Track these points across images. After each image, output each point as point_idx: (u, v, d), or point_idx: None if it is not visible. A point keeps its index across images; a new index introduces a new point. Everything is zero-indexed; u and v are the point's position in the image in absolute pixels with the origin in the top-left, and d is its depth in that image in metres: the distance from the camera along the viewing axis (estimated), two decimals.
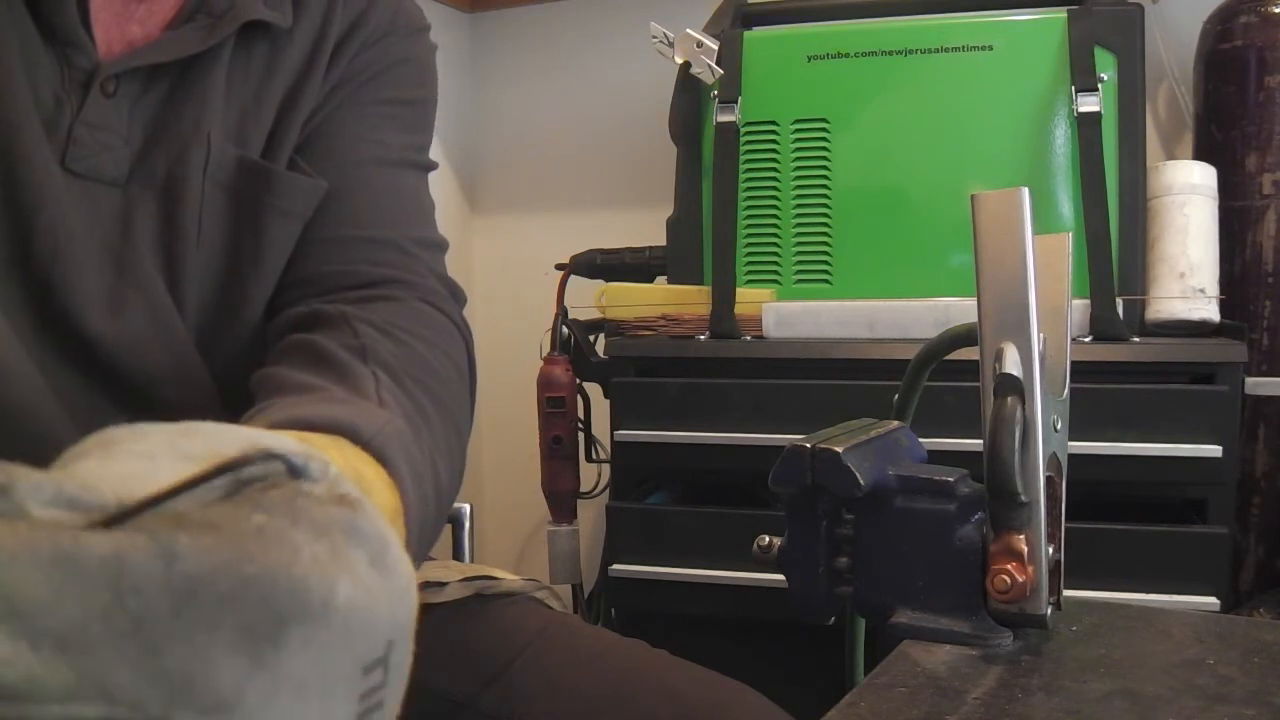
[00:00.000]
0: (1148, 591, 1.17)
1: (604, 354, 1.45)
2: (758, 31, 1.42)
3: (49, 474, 0.26)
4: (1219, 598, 1.16)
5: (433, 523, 0.51)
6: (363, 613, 0.27)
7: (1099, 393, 1.17)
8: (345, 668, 0.27)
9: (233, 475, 0.28)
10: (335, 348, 0.56)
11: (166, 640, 0.23)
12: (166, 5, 0.62)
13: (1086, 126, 1.27)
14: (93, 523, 0.25)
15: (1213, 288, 1.28)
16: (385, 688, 0.29)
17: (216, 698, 0.24)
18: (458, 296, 0.70)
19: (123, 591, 0.23)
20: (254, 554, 0.25)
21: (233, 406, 0.63)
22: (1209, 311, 1.27)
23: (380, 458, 0.45)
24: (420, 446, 0.50)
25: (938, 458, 0.55)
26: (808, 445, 0.51)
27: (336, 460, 0.39)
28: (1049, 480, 0.48)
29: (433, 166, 0.75)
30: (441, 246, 0.72)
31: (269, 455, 0.29)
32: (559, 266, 1.60)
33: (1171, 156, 1.59)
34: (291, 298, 0.65)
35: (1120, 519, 1.20)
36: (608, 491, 1.50)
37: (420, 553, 0.49)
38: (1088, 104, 1.26)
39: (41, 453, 0.54)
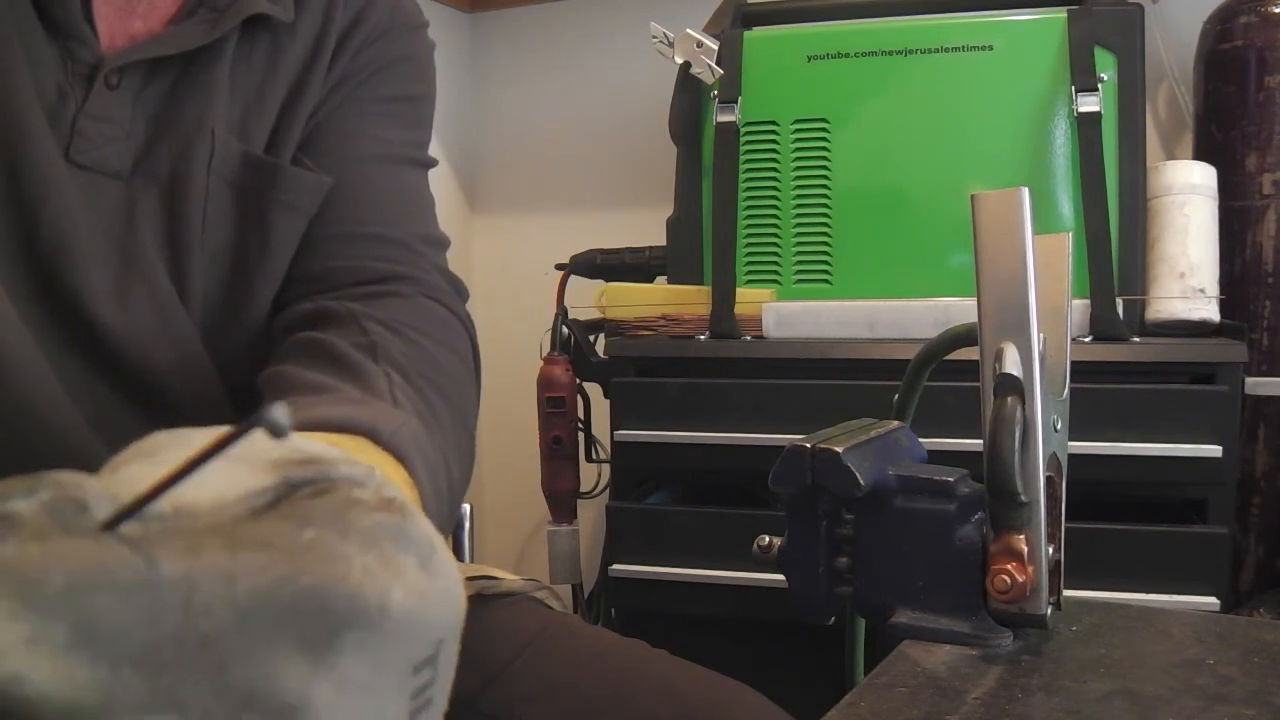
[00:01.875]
0: (1148, 591, 1.17)
1: (604, 354, 1.45)
2: (758, 31, 1.42)
3: (107, 484, 0.27)
4: (1219, 598, 1.16)
5: (446, 518, 0.52)
6: (415, 615, 0.28)
7: (1099, 393, 1.17)
8: (399, 668, 0.28)
9: (282, 481, 0.29)
10: (346, 347, 0.56)
11: (232, 654, 0.25)
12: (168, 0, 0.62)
13: (1086, 126, 1.27)
14: (121, 514, 0.25)
15: (1213, 288, 1.28)
16: (434, 685, 0.30)
17: (281, 703, 0.25)
18: (461, 292, 0.71)
19: (193, 612, 0.24)
20: (309, 567, 0.26)
21: (237, 400, 0.63)
22: (1209, 311, 1.27)
23: (398, 457, 0.45)
24: (433, 445, 0.51)
25: (938, 458, 0.55)
26: (808, 445, 0.51)
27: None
28: (1049, 480, 0.48)
29: (433, 163, 0.75)
30: (443, 243, 0.72)
31: (324, 464, 0.30)
32: (559, 266, 1.60)
33: (1171, 156, 1.59)
34: (296, 294, 0.65)
35: (1120, 519, 1.20)
36: (608, 491, 1.50)
37: None
38: (1088, 104, 1.26)
39: (47, 441, 0.55)
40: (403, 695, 0.28)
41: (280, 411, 0.23)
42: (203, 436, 0.32)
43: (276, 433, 0.23)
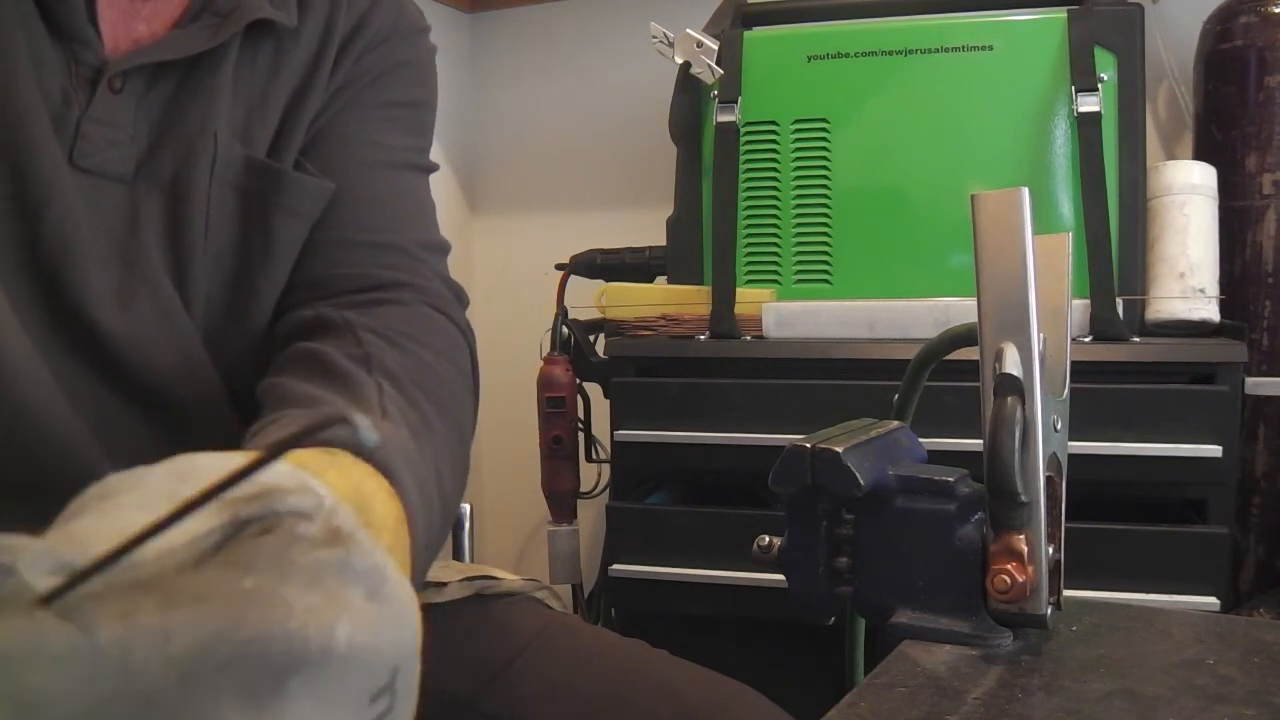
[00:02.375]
0: (1148, 591, 1.17)
1: (604, 354, 1.45)
2: (758, 31, 1.42)
3: (45, 541, 0.27)
4: (1219, 598, 1.16)
5: (439, 528, 0.52)
6: (364, 647, 0.28)
7: (1099, 393, 1.17)
8: (352, 700, 0.28)
9: (229, 520, 0.29)
10: (340, 357, 0.56)
11: (174, 711, 0.25)
12: (173, 3, 0.62)
13: (1086, 126, 1.27)
14: (74, 580, 0.26)
15: (1213, 288, 1.28)
16: (393, 711, 0.30)
17: None
18: (461, 299, 0.71)
19: (130, 674, 0.24)
20: (247, 618, 0.26)
21: (240, 404, 0.63)
22: (1209, 311, 1.27)
23: (383, 469, 0.45)
24: (423, 455, 0.51)
25: (938, 458, 0.55)
26: (808, 445, 0.51)
27: (333, 479, 0.39)
28: (1049, 480, 0.48)
29: (434, 168, 0.75)
30: (444, 249, 0.72)
31: (274, 496, 0.30)
32: (559, 266, 1.60)
33: (1171, 156, 1.59)
34: (297, 300, 0.65)
35: (1120, 519, 1.20)
36: (608, 491, 1.50)
37: (427, 558, 0.49)
38: (1088, 104, 1.26)
39: (47, 445, 0.55)
40: None
41: (365, 427, 0.23)
42: (156, 477, 0.32)
43: (366, 447, 0.23)
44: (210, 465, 0.33)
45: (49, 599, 0.25)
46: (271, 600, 0.27)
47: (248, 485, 0.30)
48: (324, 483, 0.34)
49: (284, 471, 0.32)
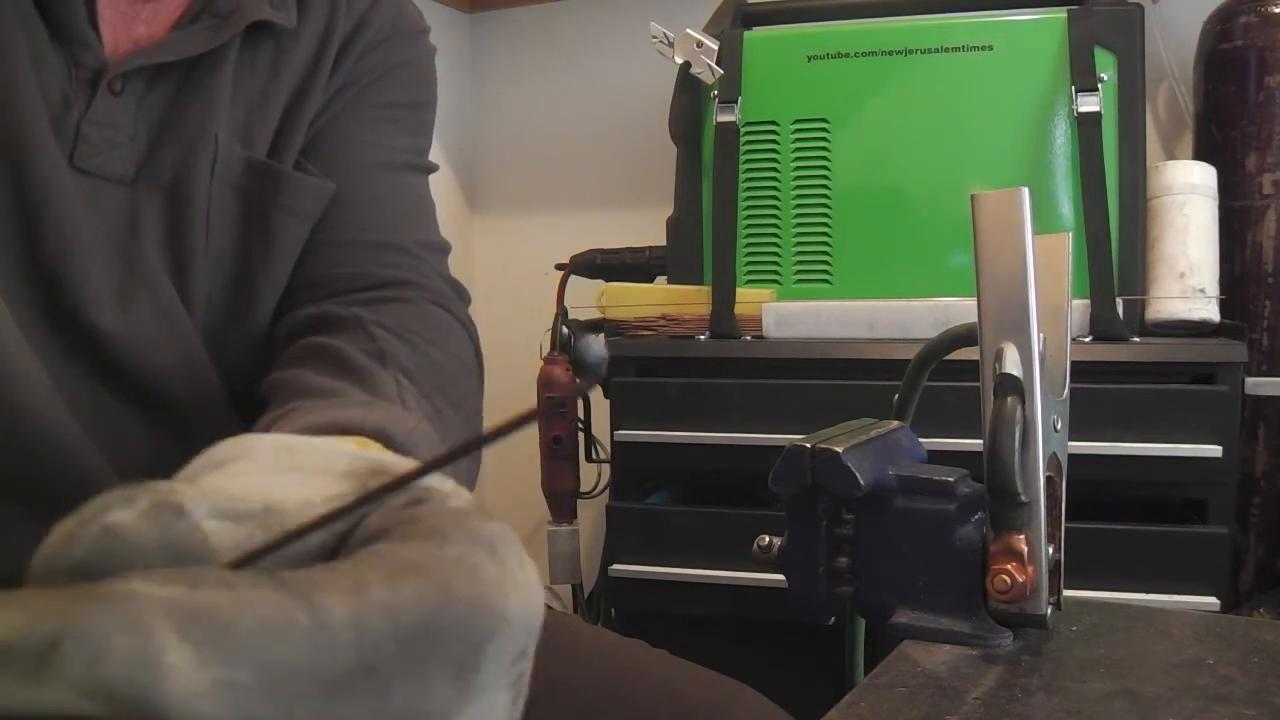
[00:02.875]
0: (1148, 591, 1.17)
1: None
2: (758, 31, 1.42)
3: (199, 489, 0.28)
4: (1219, 598, 1.16)
5: None
6: (523, 615, 0.30)
7: (1099, 393, 1.17)
8: (508, 665, 0.30)
9: (359, 489, 0.30)
10: (354, 352, 0.56)
11: (394, 681, 0.26)
12: (173, 5, 0.62)
13: (1086, 126, 1.27)
14: (268, 547, 0.27)
15: (1213, 288, 1.28)
16: (525, 673, 0.31)
17: (427, 716, 0.27)
18: (463, 296, 0.71)
19: (364, 649, 0.26)
20: (458, 591, 0.28)
21: (240, 406, 0.63)
22: (1209, 311, 1.27)
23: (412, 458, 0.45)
24: (443, 448, 0.51)
25: (938, 458, 0.55)
26: (808, 445, 0.51)
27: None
28: (1049, 480, 0.48)
29: (433, 169, 0.75)
30: (445, 249, 0.72)
31: (391, 472, 0.31)
32: (559, 266, 1.60)
33: (1171, 156, 1.59)
34: (298, 300, 0.65)
35: (1120, 519, 1.20)
36: (608, 491, 1.50)
37: None
38: (1088, 104, 1.26)
39: (45, 446, 0.55)
40: (508, 684, 0.30)
41: (598, 345, 0.24)
42: (260, 447, 0.33)
43: (594, 369, 0.24)
44: (306, 443, 0.34)
45: (240, 564, 0.27)
46: (474, 569, 0.28)
47: (361, 461, 0.32)
48: None
49: (385, 454, 0.34)
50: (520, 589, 0.29)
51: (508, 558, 0.30)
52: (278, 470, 0.31)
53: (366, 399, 0.51)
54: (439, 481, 0.32)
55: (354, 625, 0.25)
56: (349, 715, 0.25)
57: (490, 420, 0.66)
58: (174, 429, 0.61)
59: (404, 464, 0.32)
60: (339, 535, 0.30)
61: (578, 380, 1.47)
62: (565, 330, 1.55)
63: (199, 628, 0.24)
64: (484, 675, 0.28)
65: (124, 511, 0.26)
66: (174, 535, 0.26)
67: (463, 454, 0.28)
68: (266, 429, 0.48)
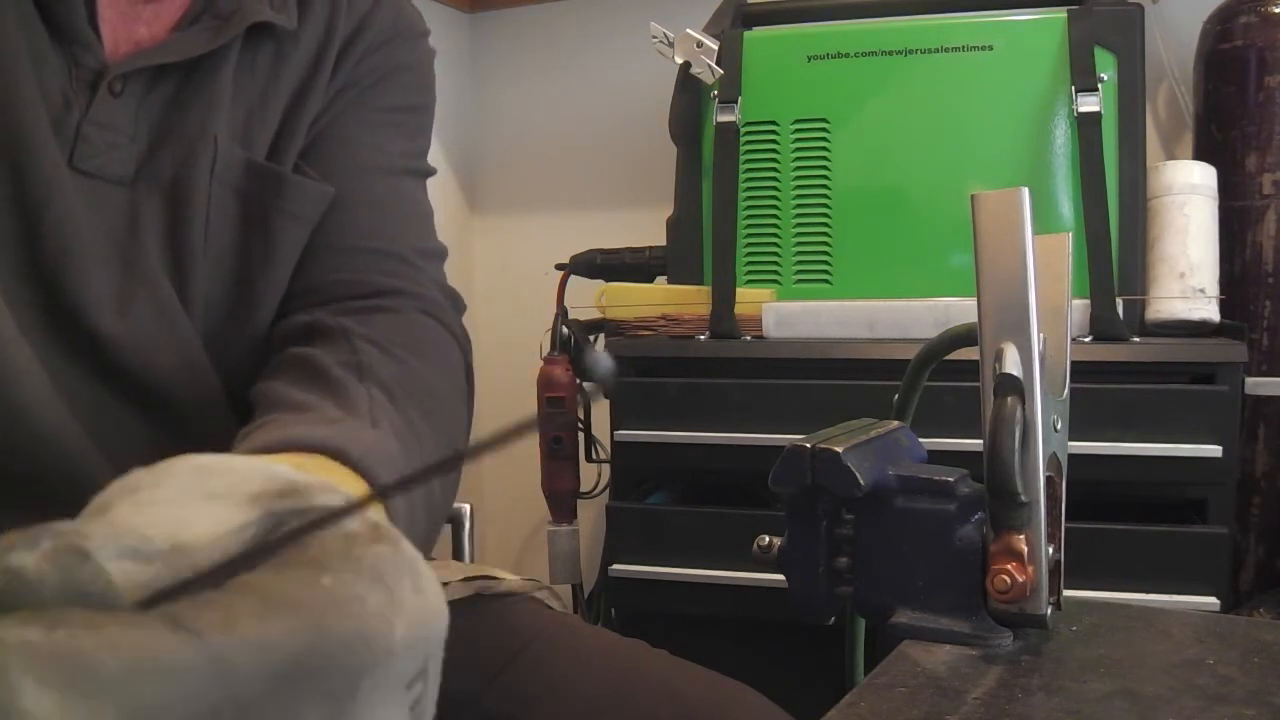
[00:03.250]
0: (1148, 591, 1.17)
1: None
2: (758, 31, 1.42)
3: (108, 528, 0.28)
4: (1219, 598, 1.16)
5: (424, 536, 0.52)
6: (412, 642, 0.29)
7: (1099, 393, 1.17)
8: (397, 689, 0.29)
9: (264, 514, 0.30)
10: (332, 364, 0.56)
11: (263, 716, 0.26)
12: (173, 6, 0.62)
13: (1086, 126, 1.27)
14: (176, 590, 0.27)
15: (1213, 288, 1.28)
16: (426, 695, 0.31)
17: None
18: (458, 305, 0.71)
19: (231, 687, 0.25)
20: (332, 627, 0.27)
21: (239, 408, 0.63)
22: (1209, 311, 1.27)
23: (368, 478, 0.45)
24: (411, 464, 0.51)
25: (938, 458, 0.55)
26: (808, 445, 0.51)
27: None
28: (1049, 480, 0.48)
29: (431, 172, 0.75)
30: (442, 255, 0.72)
31: (303, 494, 0.31)
32: (559, 266, 1.60)
33: (1171, 156, 1.59)
34: (293, 306, 0.65)
35: (1120, 519, 1.20)
36: (608, 491, 1.50)
37: None
38: (1088, 104, 1.26)
39: (44, 449, 0.55)
40: (402, 708, 0.30)
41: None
42: (178, 472, 0.32)
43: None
44: (225, 466, 0.33)
45: (147, 604, 0.26)
46: (349, 598, 0.28)
47: (274, 483, 0.31)
48: None
49: (301, 473, 0.33)
50: (410, 617, 0.29)
51: (396, 584, 0.29)
52: (188, 497, 0.31)
53: (335, 415, 0.51)
54: (338, 500, 0.31)
55: (221, 663, 0.25)
56: None
57: (482, 428, 0.67)
58: (174, 430, 0.61)
59: (320, 486, 0.32)
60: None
61: (584, 386, 1.47)
62: (565, 330, 1.55)
63: (59, 671, 0.23)
64: (362, 705, 0.28)
65: (26, 554, 0.25)
66: (77, 578, 0.25)
67: (397, 490, 0.28)
68: (241, 441, 0.49)
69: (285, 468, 0.34)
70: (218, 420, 0.62)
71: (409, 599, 0.29)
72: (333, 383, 0.55)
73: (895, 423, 0.58)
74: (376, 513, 0.33)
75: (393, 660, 0.28)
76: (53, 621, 0.24)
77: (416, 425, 0.56)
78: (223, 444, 0.52)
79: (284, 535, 0.28)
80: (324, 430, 0.47)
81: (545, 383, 1.54)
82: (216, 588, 0.28)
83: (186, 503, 0.30)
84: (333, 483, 0.32)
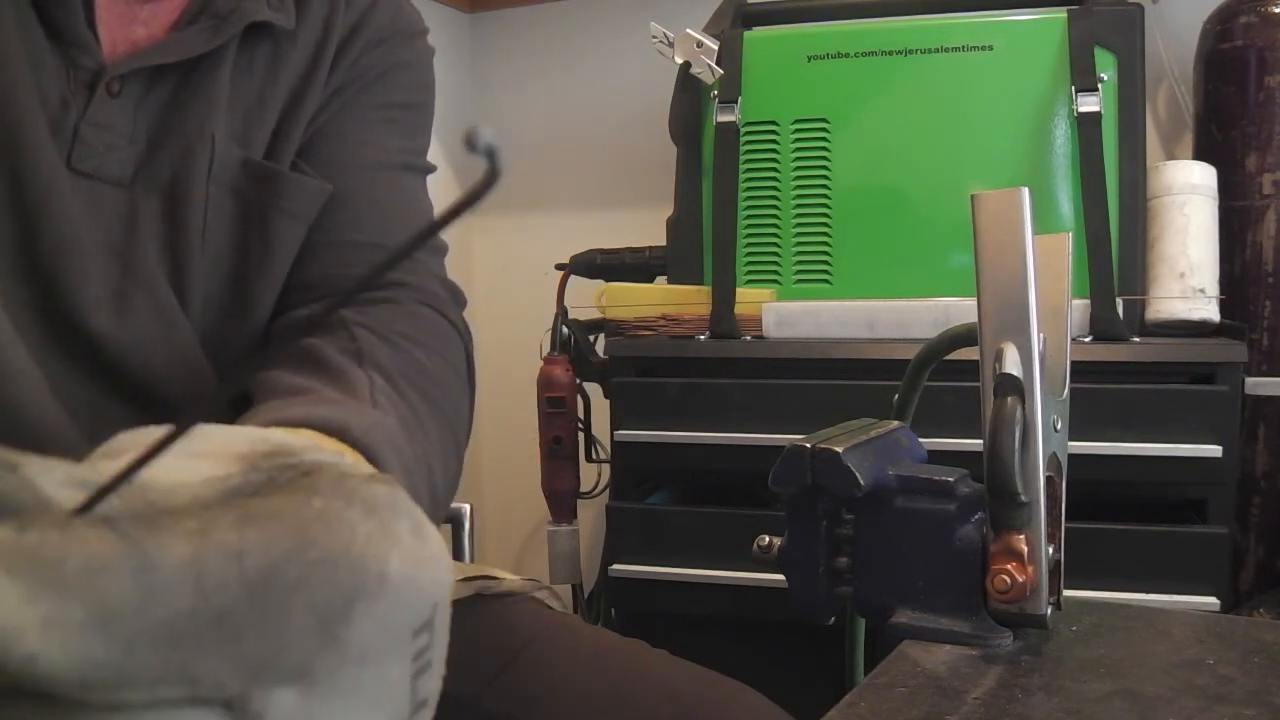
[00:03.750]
0: (1148, 591, 1.17)
1: (604, 354, 1.45)
2: (758, 31, 1.42)
3: (59, 460, 0.27)
4: (1219, 598, 1.16)
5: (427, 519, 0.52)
6: (412, 581, 0.29)
7: (1099, 393, 1.17)
8: (399, 634, 0.29)
9: (251, 469, 0.29)
10: (331, 352, 0.56)
11: (245, 628, 0.25)
12: (171, 6, 0.62)
13: (1086, 126, 1.27)
14: (97, 495, 0.26)
15: (1213, 288, 1.28)
16: (432, 649, 0.31)
17: (290, 672, 0.26)
18: (458, 299, 0.71)
19: (205, 591, 0.25)
20: (316, 539, 0.27)
21: (237, 407, 0.63)
22: (1209, 311, 1.27)
23: (369, 455, 0.45)
24: (413, 445, 0.51)
25: (938, 458, 0.55)
26: (808, 445, 0.51)
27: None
28: (1049, 480, 0.48)
29: (431, 169, 0.75)
30: (442, 250, 0.72)
31: (292, 453, 0.30)
32: (559, 266, 1.60)
33: (1171, 156, 1.59)
34: (293, 301, 0.65)
35: (1120, 519, 1.20)
36: (608, 491, 1.50)
37: None
38: (1088, 104, 1.26)
39: (41, 452, 0.54)
40: (404, 659, 0.29)
41: (487, 134, 0.23)
42: (158, 432, 0.32)
43: (488, 156, 0.23)
44: (217, 429, 0.33)
45: (77, 512, 0.25)
46: (339, 520, 0.28)
47: (261, 444, 0.31)
48: None
49: (290, 436, 0.32)
50: (407, 553, 0.29)
51: (392, 520, 0.29)
52: (172, 453, 0.30)
53: (336, 396, 0.51)
54: (335, 458, 0.31)
55: (192, 566, 0.25)
56: (200, 660, 0.25)
57: (482, 428, 0.66)
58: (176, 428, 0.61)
59: (309, 447, 0.32)
60: None
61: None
62: (565, 330, 1.55)
63: (26, 565, 0.23)
64: (359, 635, 0.27)
65: None
66: (2, 489, 0.25)
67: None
68: (241, 423, 0.48)
69: (279, 433, 0.34)
70: (216, 420, 0.62)
71: (407, 538, 0.29)
72: (332, 368, 0.55)
73: (895, 423, 0.58)
74: (366, 464, 0.32)
75: (389, 592, 0.28)
76: (25, 524, 0.24)
77: (418, 408, 0.56)
78: None
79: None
80: (324, 409, 0.46)
81: (545, 383, 1.54)
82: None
83: (169, 458, 0.30)
84: (323, 445, 0.32)
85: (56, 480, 0.26)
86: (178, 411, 0.60)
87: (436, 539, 0.31)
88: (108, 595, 0.24)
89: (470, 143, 0.22)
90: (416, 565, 0.29)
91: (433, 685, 0.31)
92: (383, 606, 0.28)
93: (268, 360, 0.59)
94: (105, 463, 0.29)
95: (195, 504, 0.27)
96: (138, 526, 0.25)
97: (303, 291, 0.65)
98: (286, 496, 0.28)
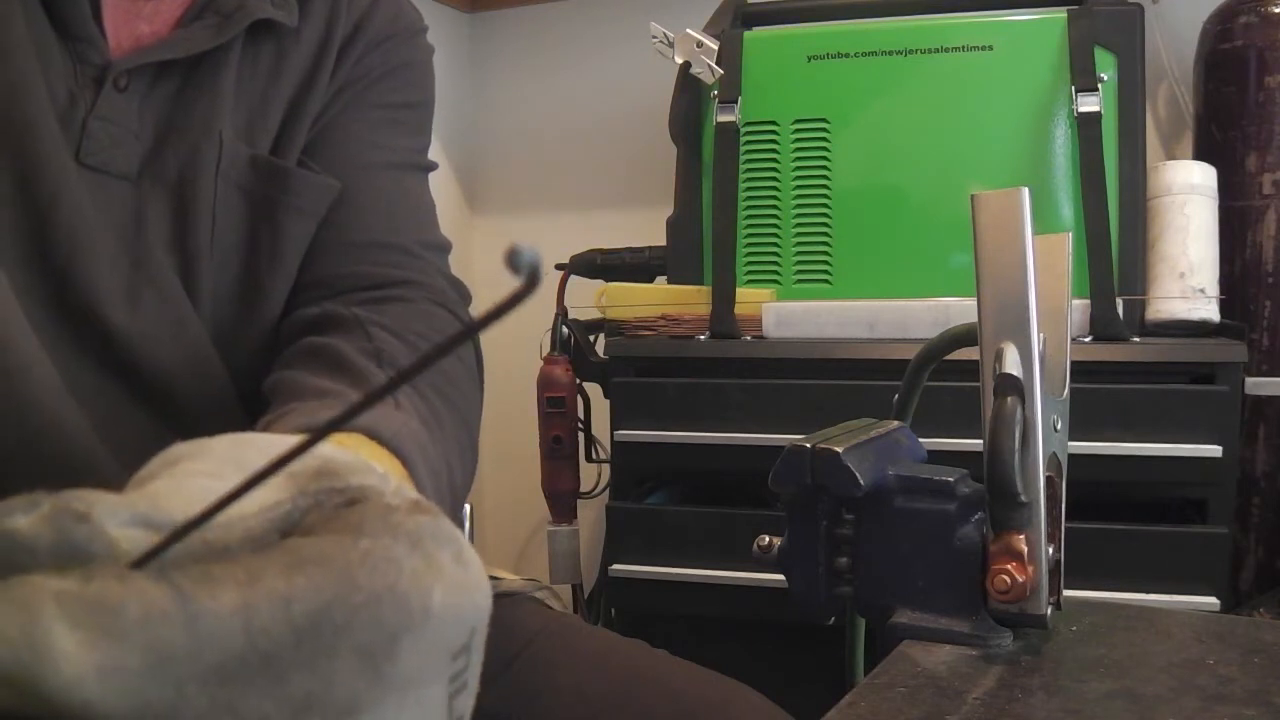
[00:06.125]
0: (1148, 591, 1.17)
1: (604, 354, 1.45)
2: (758, 31, 1.42)
3: (122, 496, 0.28)
4: (1219, 598, 1.16)
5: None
6: (453, 609, 0.30)
7: (1099, 393, 1.17)
8: (440, 659, 0.30)
9: (297, 493, 0.30)
10: (351, 352, 0.57)
11: (291, 669, 0.26)
12: (175, 3, 0.62)
13: (1086, 126, 1.27)
14: (166, 543, 0.27)
15: (1213, 288, 1.28)
16: (469, 669, 0.31)
17: (336, 707, 0.27)
18: (465, 296, 0.71)
19: (253, 635, 0.26)
20: (361, 582, 0.28)
21: (248, 403, 0.63)
22: (1209, 311, 1.27)
23: (400, 457, 0.46)
24: (435, 447, 0.52)
25: (938, 458, 0.55)
26: (808, 445, 0.51)
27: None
28: (1049, 480, 0.48)
29: (433, 167, 0.76)
30: (446, 248, 0.72)
31: (340, 474, 0.31)
32: (559, 266, 1.60)
33: (1171, 156, 1.59)
34: (302, 299, 0.65)
35: (1120, 519, 1.20)
36: (608, 491, 1.50)
37: None
38: (1088, 104, 1.26)
39: (52, 444, 0.55)
40: (443, 682, 0.30)
41: (529, 254, 0.23)
42: (219, 444, 0.33)
43: (529, 273, 0.23)
44: (266, 440, 0.34)
45: (141, 561, 0.26)
46: (386, 560, 0.28)
47: (310, 461, 0.31)
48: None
49: (337, 451, 0.33)
50: (449, 583, 0.29)
51: (436, 551, 0.30)
52: (224, 470, 0.31)
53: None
54: (380, 481, 0.32)
55: (242, 612, 0.26)
56: (249, 701, 0.26)
57: (487, 417, 0.67)
58: (182, 426, 0.61)
59: (357, 465, 0.32)
60: (280, 535, 0.30)
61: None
62: (565, 330, 1.55)
63: (86, 614, 0.24)
64: (403, 666, 0.28)
65: (22, 516, 0.26)
66: (74, 539, 0.26)
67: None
68: (263, 430, 0.49)
69: (325, 445, 0.34)
70: (227, 416, 0.63)
71: (449, 567, 0.30)
72: (353, 369, 0.55)
73: (895, 423, 0.58)
74: (408, 487, 0.33)
75: (431, 623, 0.29)
76: (88, 574, 0.25)
77: (436, 409, 0.56)
78: None
79: (250, 479, 0.28)
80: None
81: (545, 383, 1.54)
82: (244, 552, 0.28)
83: (224, 475, 0.31)
84: (370, 462, 0.33)
85: (122, 521, 0.27)
86: (189, 410, 0.60)
87: (477, 564, 0.32)
88: (162, 644, 0.25)
89: (512, 263, 0.22)
90: (459, 593, 0.30)
91: (468, 703, 0.32)
92: (426, 637, 0.29)
93: (284, 360, 0.60)
94: (165, 493, 0.29)
95: (247, 541, 0.28)
96: (191, 578, 0.26)
97: (308, 290, 0.66)
98: (334, 538, 0.29)
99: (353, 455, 0.33)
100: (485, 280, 2.04)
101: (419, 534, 0.30)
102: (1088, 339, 1.24)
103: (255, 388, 0.60)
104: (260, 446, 0.33)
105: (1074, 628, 0.51)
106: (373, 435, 0.46)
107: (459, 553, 0.31)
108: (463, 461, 0.57)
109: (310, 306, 0.64)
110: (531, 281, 0.22)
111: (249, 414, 0.62)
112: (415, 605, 0.28)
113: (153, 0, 0.61)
